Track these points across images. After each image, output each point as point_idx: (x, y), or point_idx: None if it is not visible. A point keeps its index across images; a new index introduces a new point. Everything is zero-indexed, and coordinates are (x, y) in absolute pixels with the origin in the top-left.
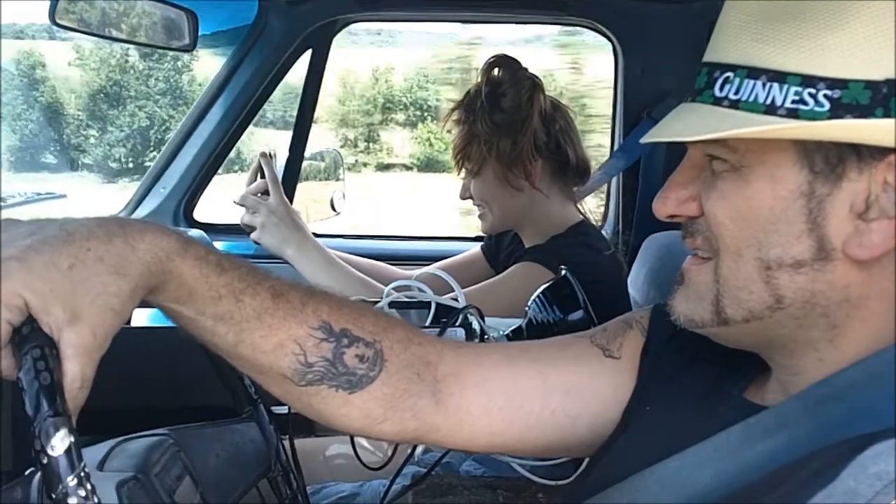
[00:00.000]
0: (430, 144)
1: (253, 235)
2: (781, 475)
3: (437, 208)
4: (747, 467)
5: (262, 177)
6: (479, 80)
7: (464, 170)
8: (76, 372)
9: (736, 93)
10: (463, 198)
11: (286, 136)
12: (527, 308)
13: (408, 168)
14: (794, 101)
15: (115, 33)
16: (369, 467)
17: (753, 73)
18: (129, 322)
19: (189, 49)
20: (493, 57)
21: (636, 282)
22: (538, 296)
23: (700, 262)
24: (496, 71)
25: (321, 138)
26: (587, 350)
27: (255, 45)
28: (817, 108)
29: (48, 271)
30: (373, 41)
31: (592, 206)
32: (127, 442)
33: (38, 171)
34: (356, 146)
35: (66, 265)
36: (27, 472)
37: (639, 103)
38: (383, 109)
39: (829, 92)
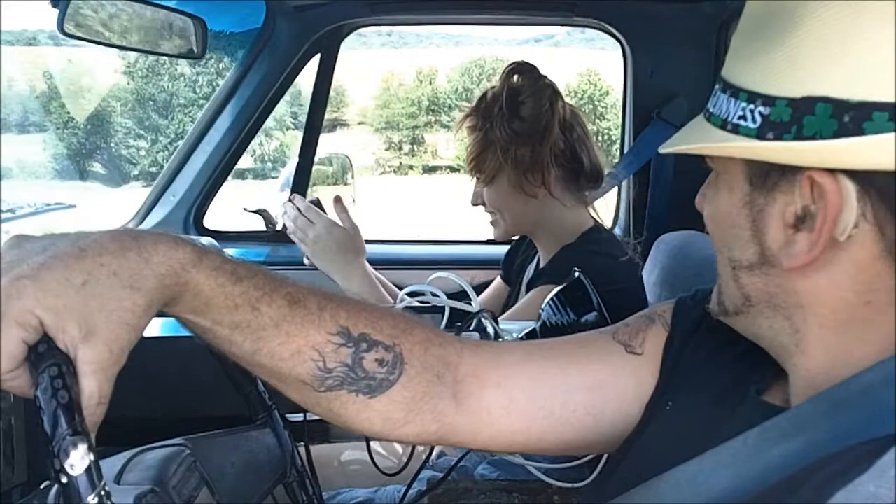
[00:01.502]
0: None
1: (304, 251)
2: (799, 478)
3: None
4: (765, 470)
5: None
6: (498, 86)
7: (476, 177)
8: (93, 389)
9: (714, 106)
10: (475, 204)
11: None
12: (540, 311)
13: (454, 170)
14: (738, 117)
15: (123, 42)
16: (385, 473)
17: (726, 87)
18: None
19: (198, 57)
20: (512, 64)
21: (648, 282)
22: (552, 298)
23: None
24: (516, 78)
25: (366, 141)
26: (609, 347)
27: (264, 50)
28: (751, 125)
29: (61, 288)
30: (410, 41)
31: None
32: (143, 453)
33: (85, 179)
34: (401, 149)
35: (79, 281)
36: (43, 486)
37: (648, 104)
38: (428, 111)
39: (762, 109)
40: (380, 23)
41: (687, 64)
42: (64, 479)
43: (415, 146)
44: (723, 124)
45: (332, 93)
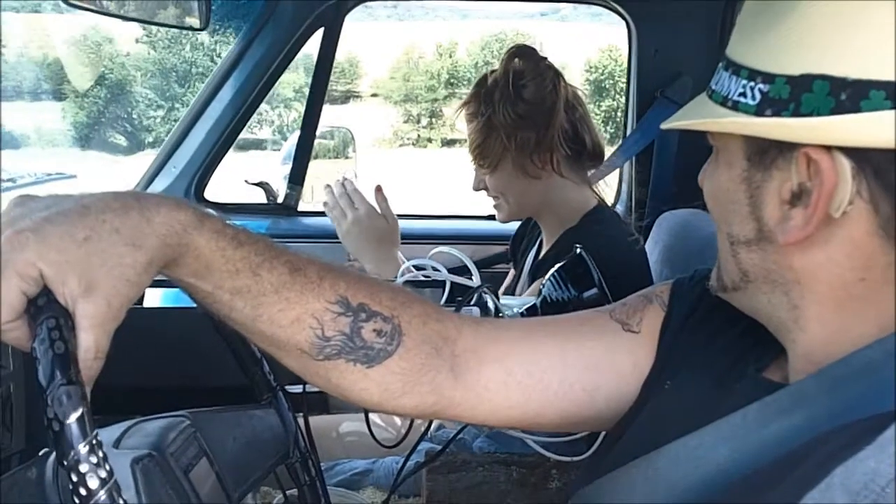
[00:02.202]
0: None
1: (339, 234)
2: (799, 454)
3: None
4: (764, 446)
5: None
6: (499, 70)
7: (480, 164)
8: (90, 342)
9: (717, 83)
10: (476, 189)
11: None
12: (541, 286)
13: None
14: (739, 94)
15: (126, 12)
16: (383, 445)
17: (729, 65)
18: (141, 301)
19: (201, 28)
20: (513, 47)
21: (649, 259)
22: (552, 274)
23: None
24: (517, 61)
25: (385, 114)
26: (607, 325)
27: (267, 23)
28: (750, 102)
29: (63, 242)
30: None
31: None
32: (144, 422)
33: (108, 151)
34: (419, 122)
35: (81, 237)
36: (41, 453)
37: (652, 83)
38: (447, 85)
39: (762, 86)
40: None
41: (692, 43)
42: (56, 427)
43: (433, 119)
44: (723, 101)
45: (346, 64)
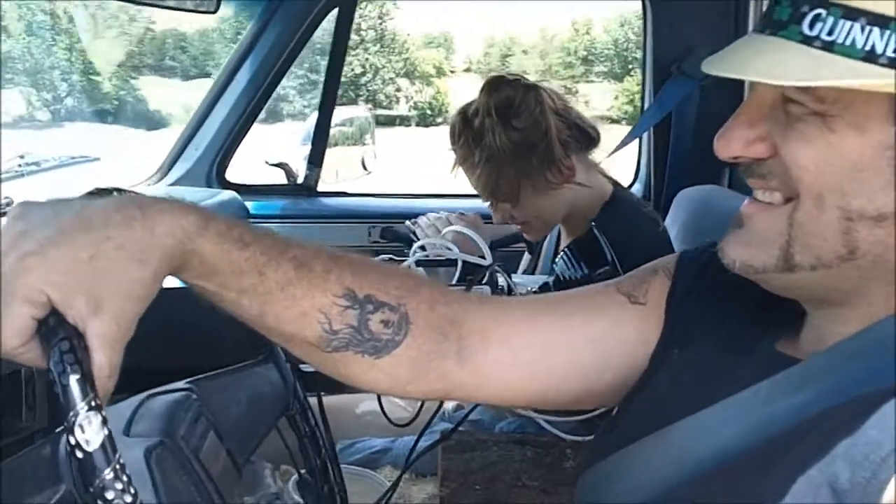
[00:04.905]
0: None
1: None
2: (806, 427)
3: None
4: (773, 421)
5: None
6: (479, 106)
7: (500, 203)
8: (104, 361)
9: (829, 33)
10: (504, 222)
11: None
12: (554, 265)
13: (615, 121)
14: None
15: None
16: (396, 424)
17: (850, 13)
18: None
19: (212, 11)
20: (489, 80)
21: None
22: (565, 252)
23: (766, 209)
24: (499, 93)
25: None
26: (612, 298)
27: (282, 4)
28: None
29: (69, 265)
30: None
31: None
32: (150, 400)
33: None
34: None
35: (86, 256)
36: (58, 430)
37: (668, 57)
38: (584, 62)
39: None
40: None
41: (708, 16)
42: (80, 455)
43: (569, 97)
44: (866, 57)
45: (441, 38)
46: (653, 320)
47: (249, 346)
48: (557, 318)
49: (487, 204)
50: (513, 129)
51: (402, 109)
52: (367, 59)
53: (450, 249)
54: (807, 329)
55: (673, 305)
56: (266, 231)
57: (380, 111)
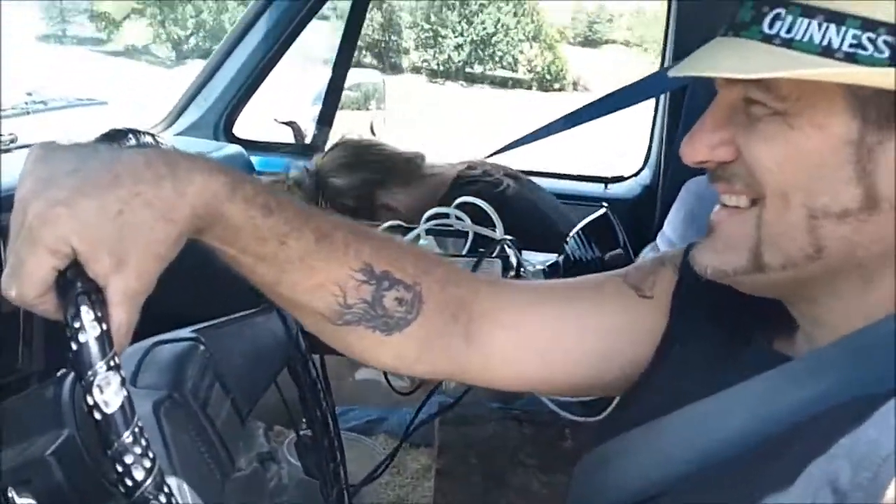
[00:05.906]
0: None
1: None
2: (807, 426)
3: None
4: (774, 417)
5: None
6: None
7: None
8: (123, 319)
9: (788, 31)
10: None
11: None
12: (565, 244)
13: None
14: (851, 45)
15: None
16: (399, 392)
17: (808, 11)
18: None
19: None
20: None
21: (674, 222)
22: (577, 232)
23: (733, 213)
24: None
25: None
26: (620, 290)
27: None
28: (877, 55)
29: (97, 218)
30: None
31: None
32: (157, 348)
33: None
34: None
35: (114, 211)
36: (59, 373)
37: (690, 44)
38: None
39: (889, 38)
40: None
41: (728, 4)
42: (98, 416)
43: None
44: (823, 52)
45: (593, 8)
46: (659, 314)
47: (252, 294)
48: (568, 306)
49: None
50: (339, 192)
51: (520, 73)
52: (498, 19)
53: (461, 220)
54: (799, 330)
55: (678, 300)
56: (291, 200)
57: (503, 72)
